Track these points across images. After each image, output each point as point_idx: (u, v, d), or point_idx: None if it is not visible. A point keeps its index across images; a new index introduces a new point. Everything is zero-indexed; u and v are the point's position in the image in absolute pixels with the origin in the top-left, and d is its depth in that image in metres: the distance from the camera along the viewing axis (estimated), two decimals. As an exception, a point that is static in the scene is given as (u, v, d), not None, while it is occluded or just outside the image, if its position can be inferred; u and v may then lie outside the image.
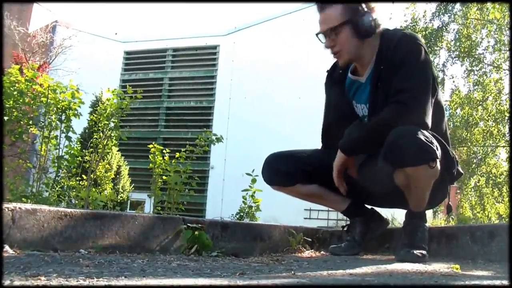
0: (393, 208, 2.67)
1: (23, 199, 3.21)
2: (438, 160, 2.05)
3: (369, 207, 2.64)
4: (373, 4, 2.27)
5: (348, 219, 2.67)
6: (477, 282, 1.43)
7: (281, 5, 12.08)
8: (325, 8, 2.29)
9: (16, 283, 1.09)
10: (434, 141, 2.06)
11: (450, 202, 2.42)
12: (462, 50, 11.06)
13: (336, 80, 2.51)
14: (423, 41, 2.29)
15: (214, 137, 4.26)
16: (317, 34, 2.33)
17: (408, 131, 2.02)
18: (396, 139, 2.03)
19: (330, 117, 2.59)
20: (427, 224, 2.29)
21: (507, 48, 10.82)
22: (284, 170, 2.51)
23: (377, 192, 2.43)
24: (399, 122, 2.08)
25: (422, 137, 1.99)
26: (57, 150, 3.66)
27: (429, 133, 2.09)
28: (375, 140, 2.15)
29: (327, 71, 2.59)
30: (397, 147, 2.02)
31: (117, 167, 7.90)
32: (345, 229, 2.67)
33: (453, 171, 2.28)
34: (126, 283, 1.22)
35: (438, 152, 2.04)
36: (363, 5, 2.24)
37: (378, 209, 2.67)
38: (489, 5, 9.77)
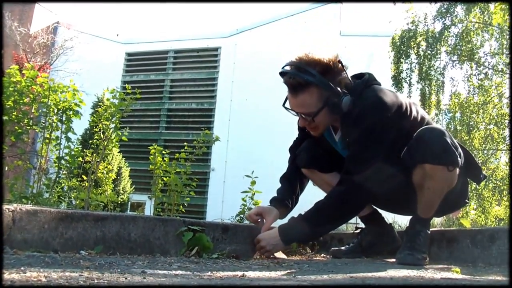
0: (400, 214, 2.66)
1: (23, 200, 3.20)
2: (457, 168, 2.10)
3: (389, 222, 2.66)
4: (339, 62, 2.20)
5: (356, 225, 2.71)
6: (477, 285, 1.43)
7: (282, 7, 12.08)
8: (299, 93, 2.19)
9: (17, 284, 1.09)
10: (459, 149, 2.13)
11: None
12: (463, 54, 11.04)
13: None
14: (384, 105, 2.15)
15: (212, 138, 4.27)
16: (286, 108, 2.30)
17: (438, 131, 2.10)
18: (424, 135, 2.10)
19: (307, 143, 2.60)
20: (429, 232, 2.29)
21: (508, 52, 10.79)
22: (324, 155, 2.51)
23: (390, 193, 2.40)
24: (347, 204, 2.22)
25: (449, 140, 2.06)
26: (58, 151, 3.66)
27: (456, 141, 2.17)
28: (323, 226, 2.28)
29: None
30: (423, 142, 2.08)
31: (118, 168, 7.89)
32: (357, 231, 2.66)
33: (481, 176, 2.42)
34: (126, 284, 1.22)
35: (460, 160, 2.09)
36: (336, 73, 2.19)
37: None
38: (491, 7, 9.71)
